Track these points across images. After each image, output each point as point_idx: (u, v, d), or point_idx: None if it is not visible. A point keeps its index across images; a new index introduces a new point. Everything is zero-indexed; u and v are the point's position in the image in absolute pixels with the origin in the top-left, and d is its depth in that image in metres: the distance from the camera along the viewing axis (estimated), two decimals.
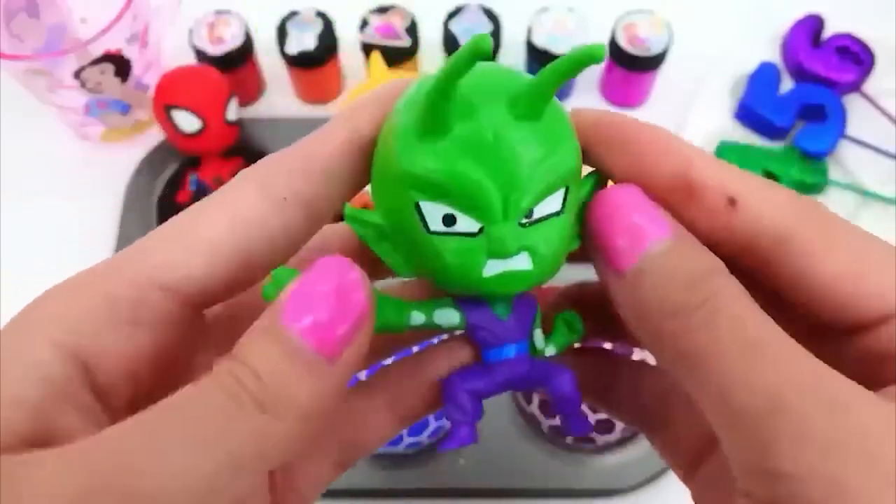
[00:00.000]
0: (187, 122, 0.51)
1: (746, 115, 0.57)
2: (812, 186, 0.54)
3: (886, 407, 0.15)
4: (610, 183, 0.20)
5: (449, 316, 0.20)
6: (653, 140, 0.18)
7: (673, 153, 0.18)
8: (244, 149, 0.55)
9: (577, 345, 0.22)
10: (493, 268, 0.17)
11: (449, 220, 0.17)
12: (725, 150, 0.55)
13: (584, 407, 0.44)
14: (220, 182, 0.53)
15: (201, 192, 0.54)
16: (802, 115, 0.56)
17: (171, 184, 0.55)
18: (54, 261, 0.42)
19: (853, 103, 0.57)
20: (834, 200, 0.54)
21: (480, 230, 0.17)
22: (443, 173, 0.17)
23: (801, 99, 0.56)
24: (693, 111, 0.58)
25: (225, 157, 0.54)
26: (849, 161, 0.55)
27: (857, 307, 0.17)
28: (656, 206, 0.18)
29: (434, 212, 0.17)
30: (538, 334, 0.21)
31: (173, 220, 0.18)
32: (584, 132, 0.19)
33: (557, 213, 0.18)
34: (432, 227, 0.17)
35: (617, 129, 0.19)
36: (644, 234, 0.17)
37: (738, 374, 0.16)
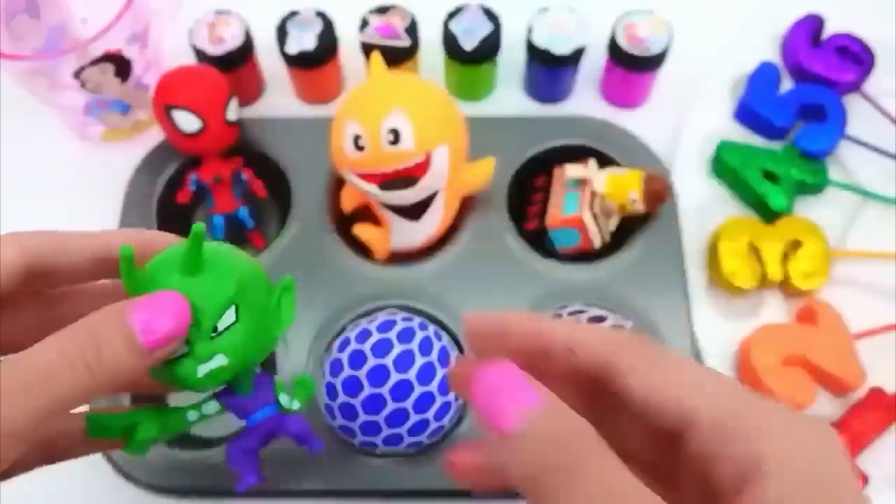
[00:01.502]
0: (187, 122, 0.51)
1: (746, 115, 0.57)
2: (812, 186, 0.54)
3: None
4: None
5: (213, 406, 0.30)
6: (513, 330, 0.24)
7: (526, 334, 0.24)
8: (244, 149, 0.55)
9: None
10: (203, 370, 0.26)
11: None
12: (725, 150, 0.55)
13: None
14: (220, 181, 0.53)
15: (201, 192, 0.54)
16: (802, 115, 0.56)
17: (171, 184, 0.55)
18: None
19: (853, 103, 0.57)
20: (834, 200, 0.54)
21: (190, 349, 0.26)
22: None
23: (801, 99, 0.56)
24: (693, 111, 0.58)
25: (225, 157, 0.54)
26: (849, 161, 0.56)
27: (665, 414, 0.22)
28: (528, 379, 0.22)
29: None
30: (283, 397, 0.31)
31: None
32: (469, 339, 0.25)
33: (234, 323, 0.26)
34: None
35: (486, 331, 0.25)
36: (523, 402, 0.21)
37: None
